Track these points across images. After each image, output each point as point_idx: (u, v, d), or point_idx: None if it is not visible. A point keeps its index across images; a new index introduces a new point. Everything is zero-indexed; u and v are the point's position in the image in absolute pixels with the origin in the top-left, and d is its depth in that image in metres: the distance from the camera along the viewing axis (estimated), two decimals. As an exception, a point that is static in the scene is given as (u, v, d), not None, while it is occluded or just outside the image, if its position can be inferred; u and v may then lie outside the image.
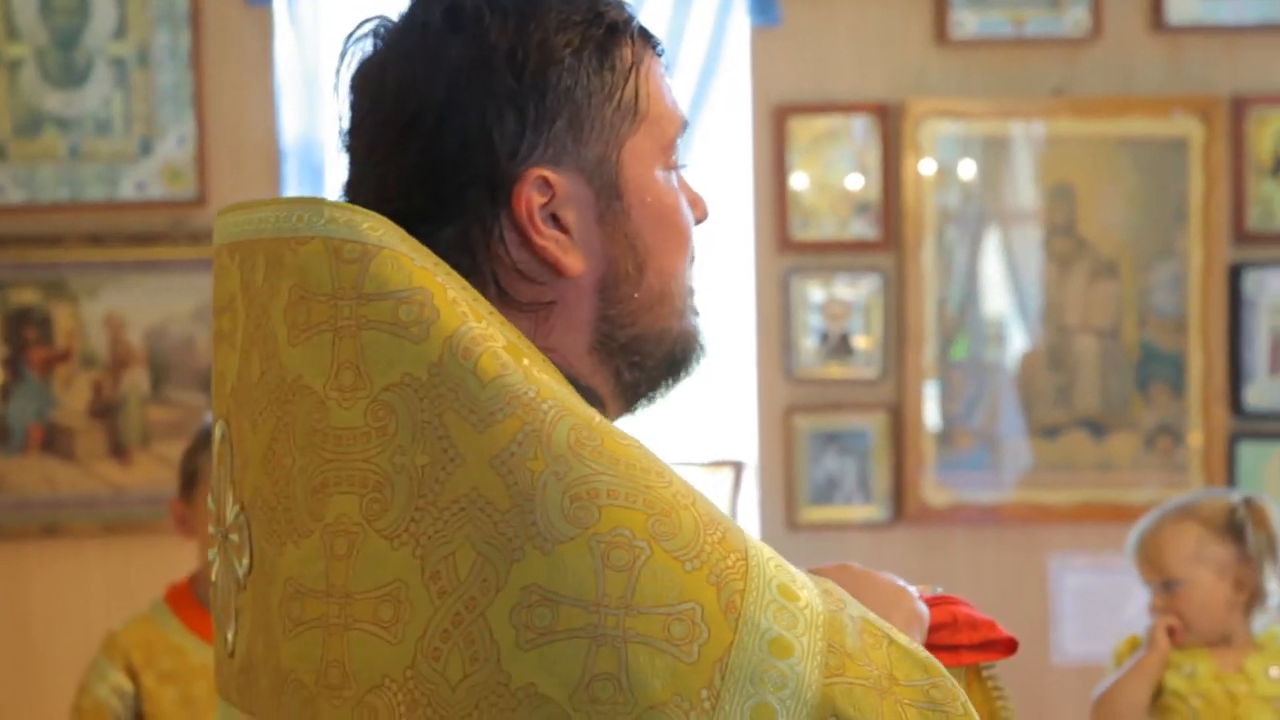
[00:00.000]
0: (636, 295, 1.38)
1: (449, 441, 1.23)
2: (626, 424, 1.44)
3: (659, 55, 1.42)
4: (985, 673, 1.55)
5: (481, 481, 1.22)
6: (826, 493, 4.57)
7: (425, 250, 1.29)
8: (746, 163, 4.55)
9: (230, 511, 1.36)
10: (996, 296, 4.59)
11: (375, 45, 1.39)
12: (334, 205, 1.30)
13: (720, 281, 4.60)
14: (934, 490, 4.56)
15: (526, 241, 1.34)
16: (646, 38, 1.41)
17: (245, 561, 1.34)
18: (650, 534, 1.21)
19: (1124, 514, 4.48)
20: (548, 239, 1.34)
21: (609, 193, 1.36)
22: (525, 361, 1.26)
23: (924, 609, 1.47)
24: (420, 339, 1.24)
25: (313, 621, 1.26)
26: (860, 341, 4.56)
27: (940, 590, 1.55)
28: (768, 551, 1.27)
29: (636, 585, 1.20)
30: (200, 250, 4.34)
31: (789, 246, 4.54)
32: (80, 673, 3.42)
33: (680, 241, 1.40)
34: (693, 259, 1.43)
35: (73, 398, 4.43)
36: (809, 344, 4.55)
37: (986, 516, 4.57)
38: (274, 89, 4.45)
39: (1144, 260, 4.58)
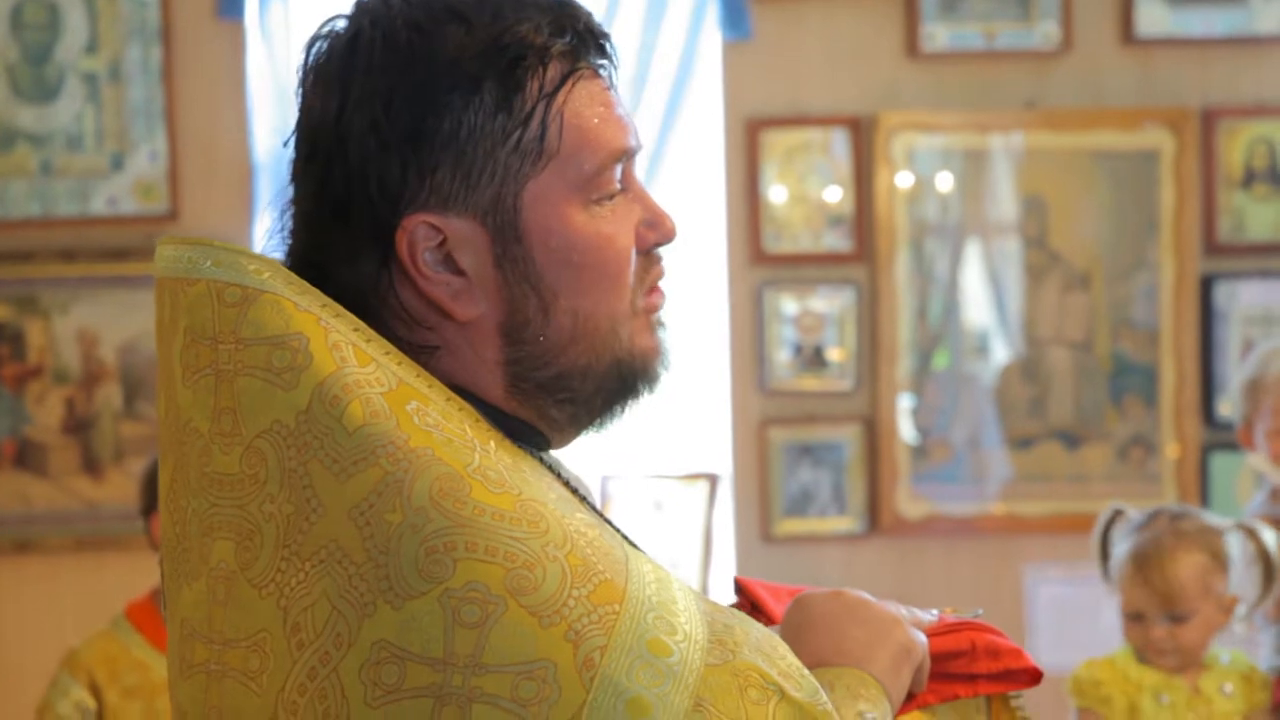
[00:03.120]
0: (543, 338, 1.33)
1: (312, 491, 1.22)
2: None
3: (598, 71, 1.35)
4: (1014, 703, 1.51)
5: (340, 533, 1.21)
6: (801, 505, 4.57)
7: (314, 292, 1.28)
8: (719, 176, 4.55)
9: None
10: (976, 308, 4.60)
11: (323, 47, 1.36)
12: (221, 248, 1.29)
13: (694, 294, 4.60)
14: (908, 502, 4.56)
15: (415, 286, 1.31)
16: (576, 59, 1.33)
17: (164, 597, 1.35)
18: (507, 589, 1.18)
19: (1098, 525, 4.49)
20: (437, 284, 1.31)
21: (506, 235, 1.31)
22: (412, 405, 1.24)
23: (921, 638, 1.41)
24: (291, 386, 1.24)
25: (199, 666, 1.26)
26: (834, 354, 4.56)
27: (980, 614, 1.50)
28: (655, 600, 1.23)
29: (486, 643, 1.17)
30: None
31: (762, 259, 4.54)
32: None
33: (600, 278, 1.33)
34: (650, 277, 1.38)
35: (45, 414, 4.42)
36: (783, 357, 4.55)
37: (961, 528, 4.58)
38: (246, 104, 4.44)
39: (1116, 272, 4.60)
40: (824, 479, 4.57)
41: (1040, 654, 4.61)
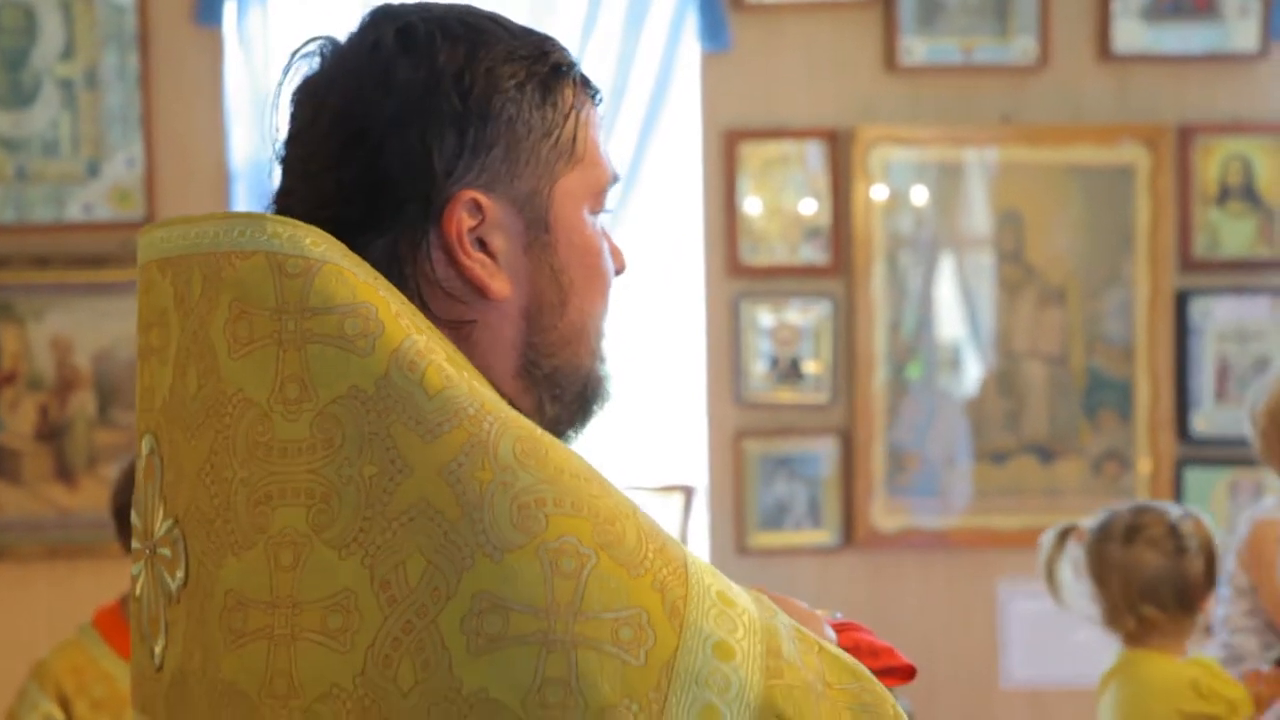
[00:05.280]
0: (559, 326, 1.40)
1: (396, 453, 1.25)
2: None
3: (597, 106, 1.45)
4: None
5: (430, 491, 1.24)
6: (776, 518, 4.57)
7: (366, 265, 1.31)
8: (697, 187, 4.56)
9: (161, 526, 1.36)
10: (951, 322, 4.61)
11: (320, 62, 1.41)
12: (277, 221, 1.32)
13: (670, 306, 4.61)
14: (884, 515, 4.56)
15: (453, 261, 1.36)
16: (587, 86, 1.44)
17: (180, 575, 1.34)
18: (596, 542, 1.24)
19: (1072, 539, 4.50)
20: (474, 260, 1.36)
21: (537, 225, 1.39)
22: (466, 374, 1.29)
23: (832, 635, 1.49)
24: (366, 352, 1.27)
25: (256, 632, 1.27)
26: (810, 366, 4.57)
27: (840, 616, 1.59)
28: (703, 563, 1.31)
29: (585, 591, 1.23)
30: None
31: (739, 271, 4.55)
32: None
33: (601, 284, 1.43)
34: (608, 307, 1.45)
35: (19, 420, 4.40)
36: (759, 369, 4.56)
37: (935, 542, 4.58)
38: (223, 110, 4.43)
39: (1091, 287, 4.61)
40: (799, 491, 4.57)
41: (1014, 669, 4.62)
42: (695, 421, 4.61)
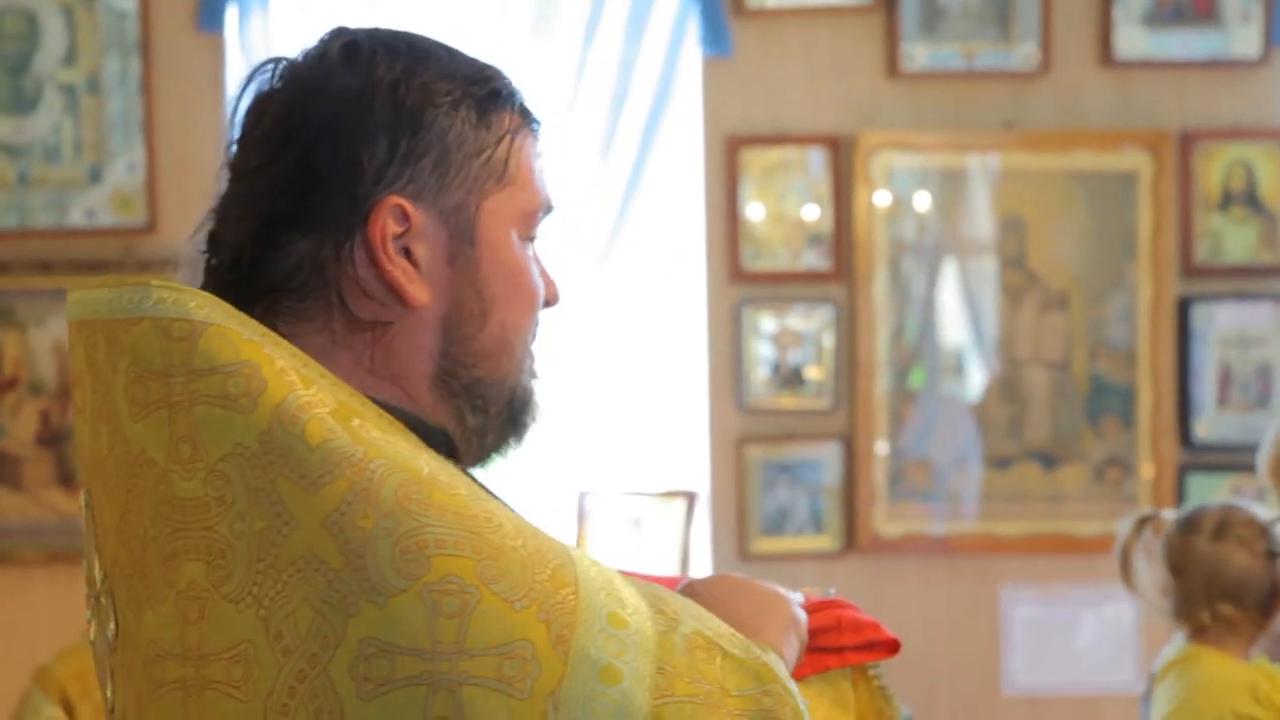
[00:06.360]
0: (478, 338, 1.44)
1: (282, 506, 1.29)
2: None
3: (536, 136, 1.50)
4: (871, 672, 1.62)
5: (315, 542, 1.28)
6: (778, 523, 4.57)
7: (253, 323, 1.35)
8: (699, 193, 4.55)
9: (98, 576, 1.41)
10: (954, 328, 4.61)
11: (271, 77, 1.46)
12: (161, 286, 1.35)
13: (672, 312, 4.60)
14: (885, 521, 4.56)
15: (375, 264, 1.40)
16: (527, 116, 1.48)
17: (112, 626, 1.40)
18: (480, 578, 1.27)
19: (1074, 545, 4.50)
20: (396, 266, 1.40)
21: (462, 238, 1.43)
22: (355, 422, 1.32)
23: (802, 615, 1.55)
24: (249, 410, 1.31)
25: (173, 684, 1.32)
26: (812, 372, 4.56)
27: (833, 593, 1.64)
28: (600, 580, 1.33)
29: (468, 629, 1.26)
30: (149, 278, 4.31)
31: (741, 277, 4.54)
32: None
33: (526, 302, 1.47)
34: (537, 326, 1.50)
35: (20, 426, 4.40)
36: (761, 374, 4.55)
37: (937, 547, 4.58)
38: (224, 116, 4.43)
39: (1094, 293, 4.61)
40: (801, 497, 4.56)
41: (1016, 675, 4.61)
42: (697, 427, 4.60)
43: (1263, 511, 3.29)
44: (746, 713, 1.32)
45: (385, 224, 1.39)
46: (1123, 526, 3.37)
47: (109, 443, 1.37)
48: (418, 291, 1.41)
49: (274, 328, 1.38)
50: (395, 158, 1.40)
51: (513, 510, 1.37)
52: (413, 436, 1.37)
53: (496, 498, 1.42)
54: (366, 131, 1.40)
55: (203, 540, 1.30)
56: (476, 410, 1.45)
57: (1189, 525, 3.26)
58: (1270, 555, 3.20)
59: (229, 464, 1.30)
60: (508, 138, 1.44)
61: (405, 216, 1.40)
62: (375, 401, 1.38)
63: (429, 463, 1.33)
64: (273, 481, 1.29)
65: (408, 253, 1.40)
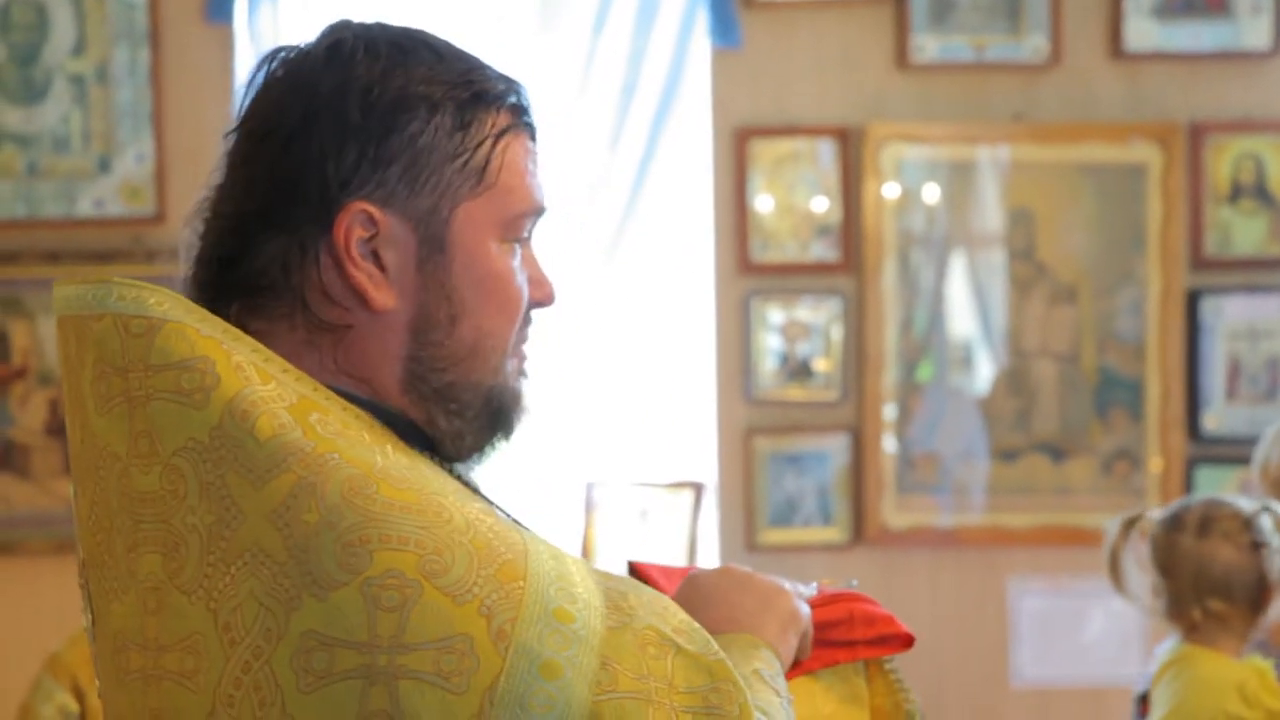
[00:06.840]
0: (446, 343, 1.44)
1: (231, 500, 1.32)
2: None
3: (532, 138, 1.49)
4: (887, 666, 1.62)
5: (261, 536, 1.31)
6: (786, 515, 4.57)
7: (213, 319, 1.38)
8: (707, 185, 4.55)
9: (80, 567, 1.46)
10: (962, 320, 4.60)
11: (271, 68, 1.47)
12: (124, 284, 1.38)
13: (680, 303, 4.60)
14: (893, 513, 4.56)
15: (340, 268, 1.41)
16: (520, 117, 1.47)
17: (89, 615, 1.43)
18: (421, 572, 1.28)
19: (1082, 538, 4.49)
20: (361, 270, 1.41)
21: (432, 243, 1.43)
22: (314, 417, 1.35)
23: (804, 609, 1.56)
24: (201, 405, 1.34)
25: (135, 673, 1.36)
26: (820, 364, 4.56)
27: (855, 584, 1.63)
28: (553, 574, 1.34)
29: (407, 623, 1.27)
30: (159, 268, 4.32)
31: (750, 269, 4.54)
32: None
33: (503, 307, 1.46)
34: (524, 330, 1.50)
35: (29, 415, 4.40)
36: (769, 366, 4.55)
37: (945, 540, 4.58)
38: (233, 107, 4.43)
39: (1103, 286, 4.60)
40: (809, 489, 4.56)
41: (1024, 667, 4.61)
42: (705, 419, 4.60)
43: (1247, 504, 3.26)
44: (692, 708, 1.33)
45: (351, 228, 1.40)
46: (1110, 530, 3.34)
47: (80, 436, 1.41)
48: (383, 296, 1.41)
49: (248, 325, 1.40)
50: (363, 162, 1.40)
51: (481, 503, 1.37)
52: (380, 429, 1.39)
53: (476, 492, 1.44)
54: (335, 135, 1.40)
55: (160, 533, 1.33)
56: (451, 414, 1.45)
57: (1173, 523, 3.23)
58: (1255, 547, 3.18)
59: (182, 458, 1.33)
60: (489, 141, 1.44)
61: (372, 221, 1.40)
62: (345, 395, 1.40)
63: (387, 457, 1.35)
64: (223, 475, 1.32)
65: (376, 257, 1.41)
